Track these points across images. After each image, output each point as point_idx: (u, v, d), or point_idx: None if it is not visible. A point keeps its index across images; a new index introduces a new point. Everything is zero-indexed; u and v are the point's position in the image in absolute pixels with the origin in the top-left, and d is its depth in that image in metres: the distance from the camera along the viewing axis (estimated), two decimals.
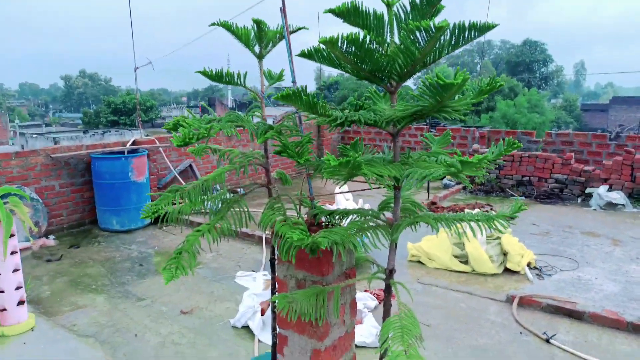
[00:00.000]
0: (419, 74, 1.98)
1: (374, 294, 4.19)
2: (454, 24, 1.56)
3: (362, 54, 1.70)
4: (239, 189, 8.08)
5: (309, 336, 2.23)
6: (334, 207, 4.95)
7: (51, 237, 6.02)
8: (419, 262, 5.08)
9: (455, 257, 4.93)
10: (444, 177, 1.77)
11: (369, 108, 2.12)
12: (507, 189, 8.37)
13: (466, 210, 5.48)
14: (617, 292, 4.31)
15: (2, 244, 3.54)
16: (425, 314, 3.81)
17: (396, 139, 2.14)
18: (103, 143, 7.04)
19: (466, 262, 4.88)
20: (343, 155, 2.31)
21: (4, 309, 3.65)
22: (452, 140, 2.38)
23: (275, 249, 2.50)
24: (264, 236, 5.70)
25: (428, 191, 8.08)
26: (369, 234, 2.08)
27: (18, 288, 3.70)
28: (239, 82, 2.34)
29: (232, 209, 2.45)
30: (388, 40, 1.83)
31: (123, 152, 6.64)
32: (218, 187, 2.42)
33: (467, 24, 1.56)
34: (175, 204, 2.31)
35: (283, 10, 2.48)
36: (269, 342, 3.53)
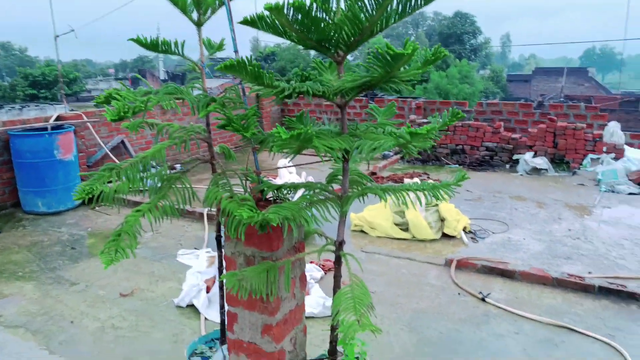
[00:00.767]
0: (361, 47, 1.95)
1: (320, 265, 4.24)
2: None
3: (308, 22, 1.64)
4: (176, 166, 7.80)
5: (260, 312, 2.21)
6: (278, 181, 4.90)
7: None
8: (362, 231, 5.19)
9: (396, 225, 5.08)
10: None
11: (315, 79, 2.07)
12: (442, 158, 8.70)
13: (405, 180, 5.63)
14: (543, 251, 4.65)
15: None
16: (370, 281, 3.92)
17: (344, 111, 2.11)
18: (22, 119, 6.47)
19: (406, 230, 5.05)
20: (289, 128, 2.25)
21: None
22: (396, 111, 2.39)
23: (222, 226, 2.43)
24: (205, 212, 5.56)
25: (368, 162, 8.22)
26: (319, 208, 2.06)
27: None
28: (176, 51, 2.20)
29: (174, 187, 2.34)
30: (334, 7, 1.77)
31: (46, 129, 6.15)
32: (154, 163, 2.29)
33: None
34: (111, 182, 2.16)
35: None
36: (217, 319, 3.48)
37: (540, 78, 42.08)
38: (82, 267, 4.39)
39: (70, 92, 30.88)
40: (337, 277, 2.31)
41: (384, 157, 8.94)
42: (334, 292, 2.32)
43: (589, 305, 3.60)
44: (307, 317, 3.46)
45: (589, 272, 4.10)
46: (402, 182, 5.87)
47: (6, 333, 3.31)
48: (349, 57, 1.98)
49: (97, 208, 6.17)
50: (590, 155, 7.63)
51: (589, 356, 3.01)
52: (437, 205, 5.15)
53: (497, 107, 9.23)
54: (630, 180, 6.66)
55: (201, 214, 5.60)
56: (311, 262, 4.25)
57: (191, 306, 3.66)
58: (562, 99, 24.37)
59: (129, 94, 2.19)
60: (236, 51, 2.28)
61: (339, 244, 2.26)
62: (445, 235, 5.03)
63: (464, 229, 5.11)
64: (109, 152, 7.11)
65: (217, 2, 2.18)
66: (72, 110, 7.92)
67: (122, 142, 7.72)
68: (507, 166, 8.18)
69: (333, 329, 2.30)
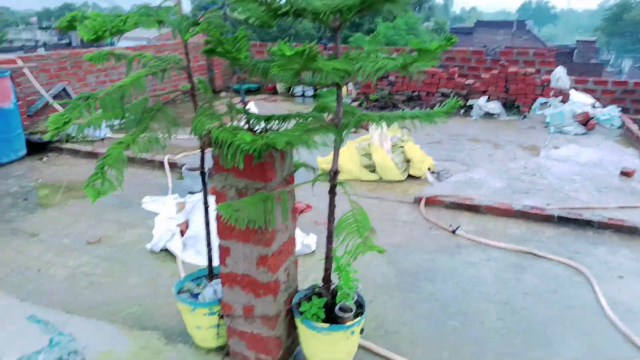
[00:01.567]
0: None
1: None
2: None
3: None
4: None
5: (255, 243, 2.18)
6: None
7: None
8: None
9: (364, 167, 5.12)
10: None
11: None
12: (399, 105, 8.78)
13: (370, 128, 5.60)
14: (503, 187, 4.87)
15: None
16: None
17: (337, 35, 2.03)
18: None
19: (374, 172, 5.11)
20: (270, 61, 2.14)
21: None
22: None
23: (203, 160, 2.31)
24: (166, 160, 5.34)
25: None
26: (317, 134, 2.01)
27: None
28: None
29: (155, 118, 2.21)
30: None
31: None
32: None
33: None
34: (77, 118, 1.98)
35: None
36: (193, 262, 3.42)
37: (481, 30, 42.86)
38: (39, 218, 4.13)
39: None
40: (331, 207, 2.31)
41: None
42: (329, 220, 2.32)
43: (550, 233, 3.84)
44: None
45: (547, 204, 4.36)
46: (367, 129, 5.88)
47: None
48: None
49: (44, 159, 5.76)
50: (540, 99, 7.96)
51: (554, 277, 3.24)
52: (402, 147, 5.23)
53: (451, 54, 9.33)
54: (576, 121, 7.04)
55: (161, 162, 5.38)
56: None
57: (164, 251, 3.56)
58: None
59: (96, 14, 1.99)
60: None
61: (334, 174, 2.24)
62: (410, 177, 5.14)
63: (429, 170, 5.24)
64: (52, 100, 6.58)
65: None
66: None
67: (64, 89, 7.16)
68: (462, 111, 8.38)
69: (328, 257, 2.31)
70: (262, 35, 23.78)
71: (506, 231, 3.89)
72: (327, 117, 2.28)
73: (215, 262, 2.53)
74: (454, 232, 3.84)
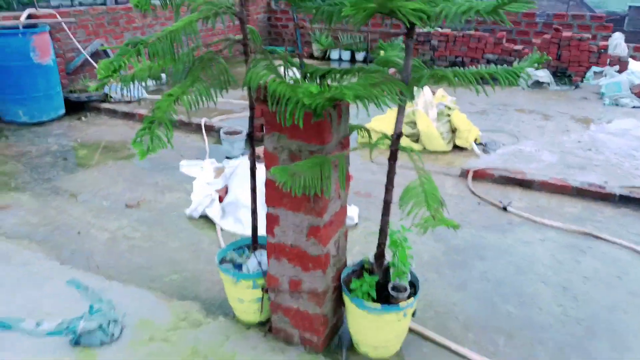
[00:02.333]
0: None
1: None
2: None
3: None
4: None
5: (306, 213, 2.03)
6: None
7: None
8: (370, 143, 4.98)
9: (407, 136, 4.89)
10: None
11: None
12: None
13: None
14: (556, 162, 4.57)
15: None
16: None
17: None
18: None
19: (417, 141, 4.87)
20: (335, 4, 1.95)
21: None
22: None
23: (253, 120, 2.15)
24: (203, 123, 5.23)
25: None
26: (384, 90, 1.79)
27: None
28: None
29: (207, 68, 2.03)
30: None
31: (17, 28, 5.50)
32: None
33: None
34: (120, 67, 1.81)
35: None
36: (232, 229, 3.33)
37: None
38: (80, 178, 4.11)
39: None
40: (391, 174, 2.15)
41: None
42: (387, 190, 2.16)
43: (609, 213, 3.58)
44: None
45: (605, 182, 4.06)
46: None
47: (10, 244, 3.09)
48: None
49: (83, 118, 5.74)
50: (594, 68, 7.43)
51: (615, 260, 3.01)
52: (449, 115, 4.95)
53: None
54: (633, 93, 6.55)
55: (198, 125, 5.27)
56: None
57: (203, 217, 3.48)
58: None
59: None
60: None
61: (397, 137, 2.06)
62: (455, 148, 4.88)
63: (475, 141, 4.97)
64: (89, 58, 6.52)
65: None
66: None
67: (103, 49, 7.08)
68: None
69: (383, 231, 2.16)
70: None
71: (561, 209, 3.64)
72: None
73: (260, 231, 2.42)
74: (504, 208, 3.62)
